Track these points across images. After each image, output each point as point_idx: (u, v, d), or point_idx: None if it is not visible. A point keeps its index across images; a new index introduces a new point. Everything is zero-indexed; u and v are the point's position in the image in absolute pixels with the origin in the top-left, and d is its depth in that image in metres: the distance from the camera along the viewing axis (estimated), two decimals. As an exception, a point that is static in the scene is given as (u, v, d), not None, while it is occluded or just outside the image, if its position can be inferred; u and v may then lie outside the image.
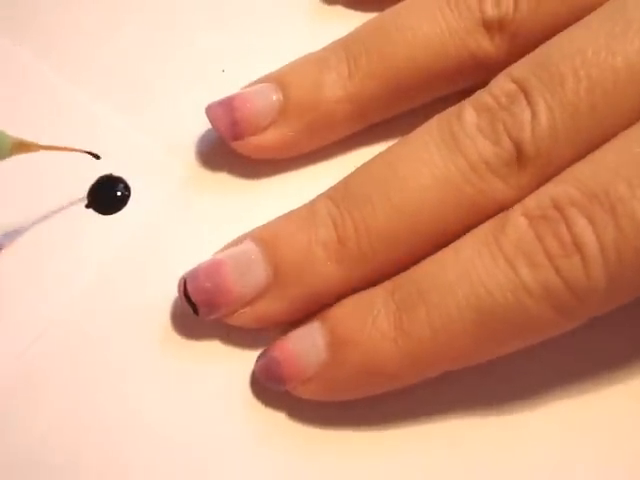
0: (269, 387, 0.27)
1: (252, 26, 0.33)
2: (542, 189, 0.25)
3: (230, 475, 0.26)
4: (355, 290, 0.27)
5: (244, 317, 0.27)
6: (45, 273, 0.29)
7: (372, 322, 0.25)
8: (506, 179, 0.25)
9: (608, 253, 0.23)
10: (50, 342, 0.27)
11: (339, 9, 0.34)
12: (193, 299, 0.27)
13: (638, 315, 0.28)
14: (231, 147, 0.30)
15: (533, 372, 0.27)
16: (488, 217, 0.25)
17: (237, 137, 0.29)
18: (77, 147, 0.27)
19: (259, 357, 0.27)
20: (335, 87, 0.29)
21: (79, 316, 0.28)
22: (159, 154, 0.31)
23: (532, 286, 0.24)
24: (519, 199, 0.25)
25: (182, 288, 0.27)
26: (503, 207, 0.25)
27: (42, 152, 0.26)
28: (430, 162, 0.26)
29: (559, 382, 0.27)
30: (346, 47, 0.30)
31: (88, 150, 0.27)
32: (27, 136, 0.30)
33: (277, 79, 0.30)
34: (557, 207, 0.24)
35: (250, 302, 0.27)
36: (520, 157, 0.25)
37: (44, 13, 0.33)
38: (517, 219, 0.24)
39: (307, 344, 0.26)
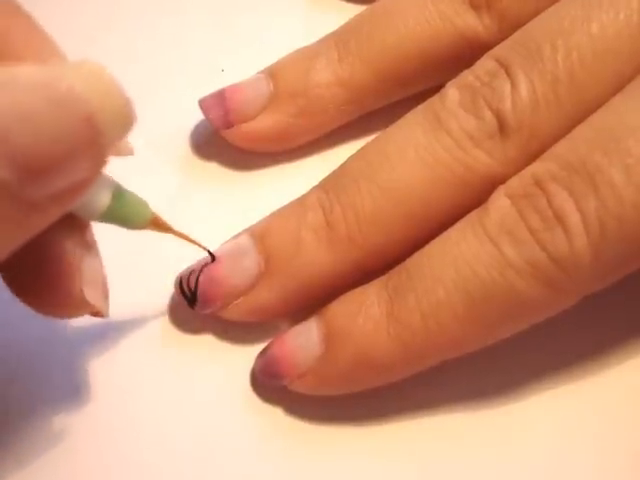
0: (268, 383, 0.27)
1: (251, 26, 0.34)
2: (526, 169, 0.24)
3: (228, 469, 0.26)
4: (349, 279, 0.26)
5: (239, 309, 0.27)
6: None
7: (365, 312, 0.25)
8: (491, 152, 0.25)
9: (590, 222, 0.23)
10: (49, 343, 0.28)
11: (338, 9, 0.33)
12: (188, 293, 0.27)
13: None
14: (223, 137, 0.30)
15: (529, 366, 0.27)
16: (479, 197, 0.25)
17: (228, 126, 0.30)
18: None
19: (259, 356, 0.27)
20: (325, 72, 0.29)
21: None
22: (157, 156, 0.31)
23: (518, 263, 0.23)
24: (508, 176, 0.25)
25: (178, 283, 0.27)
26: (494, 185, 0.25)
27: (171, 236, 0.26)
28: (415, 142, 0.26)
29: (554, 375, 0.27)
30: (336, 35, 0.30)
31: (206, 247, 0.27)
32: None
33: (268, 70, 0.30)
34: (538, 183, 0.24)
35: (244, 292, 0.27)
36: (503, 128, 0.25)
37: (38, 13, 0.33)
38: (500, 200, 0.24)
39: (303, 339, 0.26)
